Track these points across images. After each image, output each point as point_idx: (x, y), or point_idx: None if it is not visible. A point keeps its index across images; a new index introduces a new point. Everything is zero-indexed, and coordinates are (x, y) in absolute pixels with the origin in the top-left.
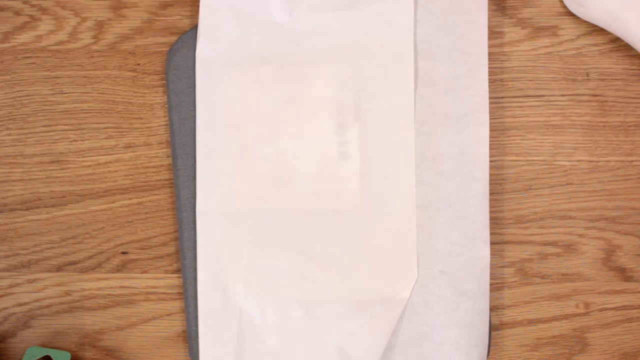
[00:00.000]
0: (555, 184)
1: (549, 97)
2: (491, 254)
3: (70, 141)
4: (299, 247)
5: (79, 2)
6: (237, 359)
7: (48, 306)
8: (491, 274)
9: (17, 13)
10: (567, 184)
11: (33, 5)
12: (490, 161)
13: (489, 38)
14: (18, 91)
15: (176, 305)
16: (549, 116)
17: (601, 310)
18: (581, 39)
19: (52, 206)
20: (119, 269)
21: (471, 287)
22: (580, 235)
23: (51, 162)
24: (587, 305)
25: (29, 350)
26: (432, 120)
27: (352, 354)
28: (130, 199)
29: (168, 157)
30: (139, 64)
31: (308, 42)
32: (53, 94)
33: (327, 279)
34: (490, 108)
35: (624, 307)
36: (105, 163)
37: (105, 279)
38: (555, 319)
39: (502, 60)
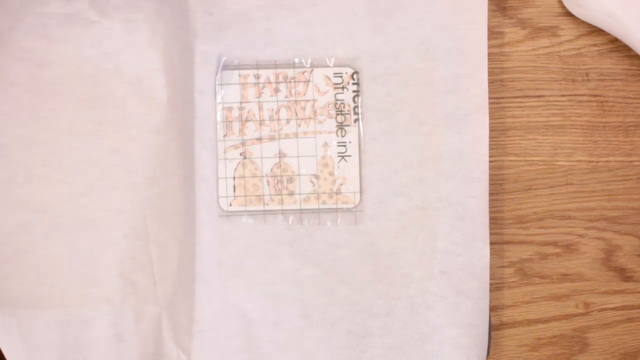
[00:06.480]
0: (555, 184)
1: (548, 98)
2: (491, 254)
3: None
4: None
5: None
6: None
7: None
8: (491, 274)
9: None
10: (567, 184)
11: None
12: (490, 161)
13: (489, 38)
14: None
15: None
16: (549, 116)
17: (601, 310)
18: (581, 40)
19: None
20: None
21: (471, 287)
22: (580, 236)
23: None
24: (587, 305)
25: None
26: (432, 120)
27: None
28: None
29: None
30: None
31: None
32: None
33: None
34: (490, 108)
35: (624, 307)
36: None
37: None
38: (555, 319)
39: (502, 61)
